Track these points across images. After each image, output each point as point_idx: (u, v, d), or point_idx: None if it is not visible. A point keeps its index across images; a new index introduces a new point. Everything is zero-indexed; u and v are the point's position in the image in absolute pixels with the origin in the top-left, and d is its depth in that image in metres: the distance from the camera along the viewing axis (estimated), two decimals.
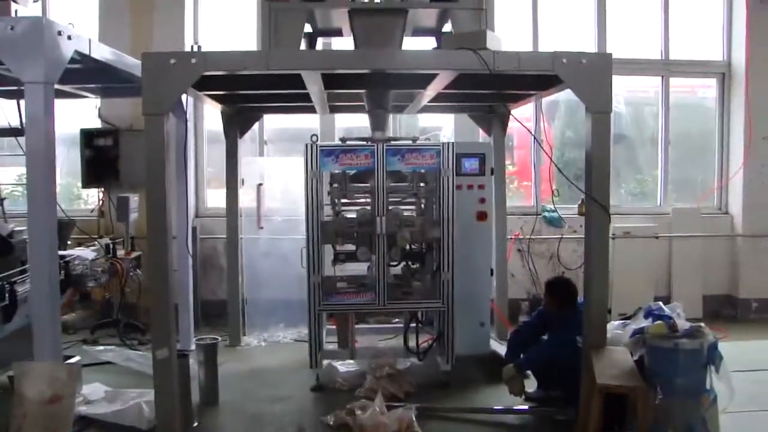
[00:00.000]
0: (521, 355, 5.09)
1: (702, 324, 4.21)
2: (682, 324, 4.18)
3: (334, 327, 5.98)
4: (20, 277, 4.88)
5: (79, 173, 7.30)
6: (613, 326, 4.70)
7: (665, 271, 8.04)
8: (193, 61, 4.07)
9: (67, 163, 7.59)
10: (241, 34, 7.82)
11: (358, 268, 5.63)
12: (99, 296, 6.59)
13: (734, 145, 8.21)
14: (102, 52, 4.76)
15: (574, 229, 7.53)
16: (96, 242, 6.41)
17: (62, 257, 5.34)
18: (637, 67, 8.17)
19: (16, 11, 4.76)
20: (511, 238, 7.35)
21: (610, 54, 4.48)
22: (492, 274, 6.33)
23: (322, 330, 5.72)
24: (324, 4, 4.67)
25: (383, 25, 4.68)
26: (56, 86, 4.10)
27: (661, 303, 4.54)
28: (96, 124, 7.44)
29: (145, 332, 6.73)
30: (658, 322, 4.23)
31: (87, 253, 5.98)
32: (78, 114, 7.40)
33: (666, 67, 8.28)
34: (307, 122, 7.91)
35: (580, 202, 6.38)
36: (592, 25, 8.13)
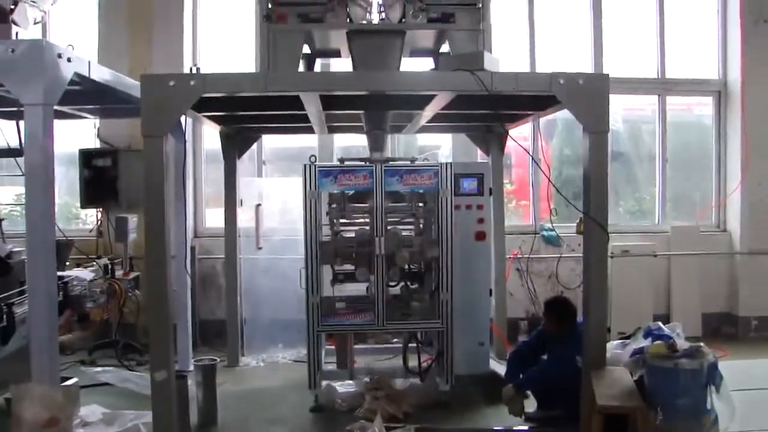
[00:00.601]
0: (521, 375, 5.07)
1: (702, 344, 4.21)
2: (682, 344, 4.18)
3: (333, 347, 5.97)
4: (18, 298, 4.87)
5: (77, 192, 7.30)
6: (612, 346, 4.70)
7: (664, 289, 8.03)
8: (192, 82, 4.10)
9: (66, 182, 7.60)
10: (240, 54, 7.86)
11: (357, 289, 5.62)
12: (97, 317, 6.54)
13: (731, 163, 8.24)
14: (101, 74, 4.78)
15: (572, 248, 7.53)
16: (94, 262, 6.40)
17: (60, 278, 5.32)
18: (633, 85, 8.22)
19: (16, 33, 4.78)
20: (509, 258, 7.34)
21: (607, 75, 4.51)
22: (491, 294, 6.32)
23: (321, 350, 5.70)
24: (322, 26, 4.70)
25: (381, 47, 4.72)
26: (55, 107, 4.11)
27: (660, 323, 4.54)
28: (95, 143, 7.46)
29: (143, 353, 6.70)
30: (658, 342, 4.23)
31: (85, 273, 5.96)
32: (77, 134, 7.41)
33: (662, 86, 8.32)
34: (306, 141, 7.93)
35: (578, 220, 6.38)
36: (588, 44, 8.18)
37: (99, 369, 6.24)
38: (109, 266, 6.36)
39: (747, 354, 7.10)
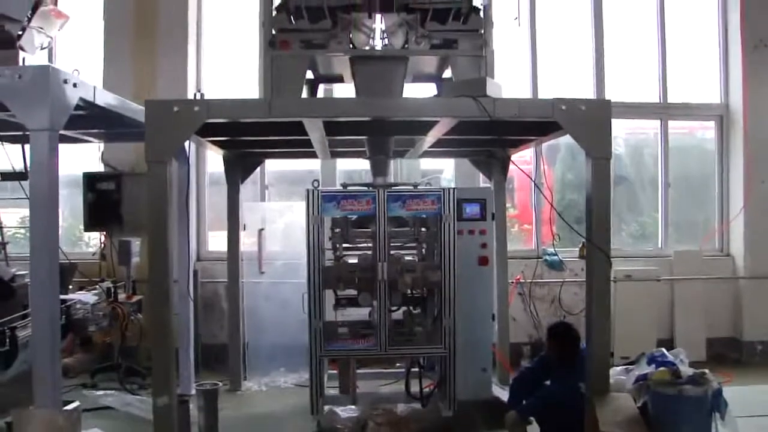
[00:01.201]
0: (524, 401, 5.04)
1: (706, 370, 4.18)
2: (686, 370, 4.16)
3: (335, 372, 5.94)
4: (21, 322, 4.87)
5: (81, 215, 7.32)
6: (616, 372, 4.67)
7: (668, 313, 7.99)
8: (196, 108, 4.12)
9: (70, 205, 7.63)
10: (244, 79, 7.92)
11: (360, 313, 5.60)
12: (99, 340, 6.56)
13: (734, 187, 8.24)
14: (106, 99, 4.83)
15: (575, 273, 7.51)
16: (97, 286, 6.41)
17: (63, 301, 5.34)
18: (635, 110, 8.25)
19: (23, 59, 4.83)
20: (512, 282, 7.33)
21: (609, 101, 4.52)
22: (494, 319, 6.30)
23: (323, 375, 5.67)
24: (325, 52, 4.74)
25: (384, 72, 4.75)
26: (60, 131, 4.14)
27: (663, 349, 4.52)
28: (98, 167, 7.50)
29: (145, 376, 6.67)
30: (662, 368, 4.20)
31: (88, 297, 5.99)
32: (81, 157, 7.46)
33: (664, 111, 8.35)
34: (309, 165, 7.97)
35: (581, 245, 6.39)
36: (590, 69, 8.23)
37: (101, 392, 6.23)
38: (112, 290, 6.38)
39: (752, 379, 7.05)
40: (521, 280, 7.68)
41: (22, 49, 4.83)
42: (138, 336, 6.76)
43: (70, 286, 6.36)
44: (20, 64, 4.74)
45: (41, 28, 5.04)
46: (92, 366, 6.96)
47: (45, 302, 4.06)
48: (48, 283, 4.06)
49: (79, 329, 5.81)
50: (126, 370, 6.78)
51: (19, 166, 6.12)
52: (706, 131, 8.74)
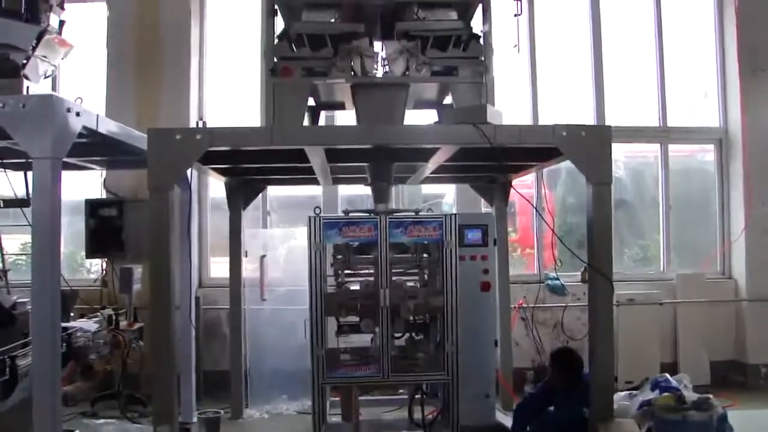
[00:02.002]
0: (527, 427, 5.01)
1: (710, 395, 4.17)
2: (690, 396, 4.14)
3: (337, 399, 5.90)
4: (21, 350, 4.85)
5: (82, 241, 7.32)
6: (619, 397, 4.65)
7: (671, 337, 7.97)
8: (198, 136, 4.14)
9: (71, 231, 7.63)
10: (246, 105, 7.97)
11: (362, 340, 5.58)
12: (100, 368, 6.52)
13: (735, 210, 8.26)
14: (108, 127, 4.84)
15: (578, 297, 7.50)
16: (99, 313, 6.39)
17: (65, 329, 5.31)
18: (635, 134, 8.29)
19: (27, 88, 4.86)
20: (514, 307, 7.31)
21: (609, 126, 4.53)
22: (496, 345, 6.28)
23: (325, 402, 5.63)
24: (327, 79, 4.77)
25: (385, 99, 4.78)
26: (63, 159, 4.15)
27: (667, 374, 4.51)
28: (101, 193, 7.52)
29: (146, 404, 6.63)
30: (666, 393, 4.19)
31: (89, 324, 5.96)
32: (83, 183, 7.48)
33: (664, 134, 8.40)
34: (310, 190, 7.98)
35: (583, 269, 6.37)
36: (590, 94, 8.29)
37: (101, 421, 6.19)
38: (114, 317, 6.35)
39: (757, 403, 7.01)
40: (523, 305, 7.67)
41: (27, 78, 4.87)
42: (139, 363, 6.73)
43: (72, 314, 6.33)
44: (24, 92, 4.77)
45: (45, 56, 5.09)
46: (93, 394, 6.90)
47: (46, 330, 4.04)
48: (49, 312, 4.05)
49: (80, 357, 5.76)
50: (127, 398, 6.74)
51: (21, 193, 6.15)
52: (706, 154, 8.77)
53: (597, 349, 4.31)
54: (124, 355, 6.47)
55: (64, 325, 5.13)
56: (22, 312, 5.13)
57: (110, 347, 6.09)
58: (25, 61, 4.86)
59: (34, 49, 4.91)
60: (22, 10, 4.72)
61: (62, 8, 5.15)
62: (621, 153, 8.56)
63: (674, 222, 8.42)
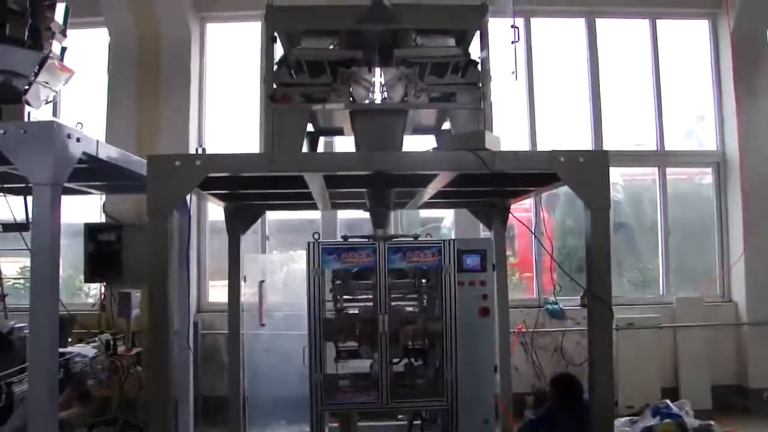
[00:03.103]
0: None
1: (712, 422, 4.17)
2: (691, 422, 4.13)
3: (336, 425, 5.86)
4: (18, 376, 4.82)
5: (81, 265, 7.32)
6: (620, 423, 4.64)
7: (671, 361, 7.95)
8: (198, 163, 4.14)
9: (70, 254, 7.63)
10: (245, 130, 8.01)
11: (361, 365, 5.55)
12: (98, 393, 6.49)
13: (734, 232, 8.28)
14: (108, 153, 4.85)
15: (577, 321, 7.48)
16: (97, 338, 6.37)
17: (62, 355, 5.29)
18: (633, 158, 8.33)
19: (28, 113, 4.88)
20: (514, 332, 7.29)
21: (607, 151, 4.54)
22: (496, 370, 6.24)
23: (324, 428, 5.58)
24: (326, 105, 4.79)
25: (384, 125, 4.79)
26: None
27: (668, 401, 4.50)
28: (100, 218, 7.53)
29: (143, 430, 6.58)
30: (667, 420, 4.17)
31: (87, 350, 5.94)
32: (82, 207, 7.49)
33: (662, 158, 8.43)
34: (309, 214, 7.99)
35: (582, 294, 6.36)
36: (587, 118, 8.33)
37: None
38: (112, 342, 6.33)
39: (759, 428, 6.97)
40: (523, 330, 7.64)
41: (28, 104, 4.89)
42: (137, 389, 6.70)
43: (70, 339, 6.31)
44: (26, 117, 4.79)
45: (47, 82, 5.11)
46: (90, 420, 6.86)
47: (43, 357, 4.00)
48: (47, 337, 4.03)
49: (78, 383, 5.74)
50: (124, 425, 6.70)
51: (20, 217, 6.15)
52: (704, 177, 8.81)
53: (597, 374, 4.28)
54: (122, 381, 6.44)
55: (61, 350, 5.11)
56: (20, 337, 5.11)
57: (108, 373, 6.06)
58: (27, 87, 4.89)
59: (36, 75, 4.94)
60: (25, 38, 4.75)
61: (64, 35, 5.19)
62: (619, 176, 8.60)
63: (673, 245, 8.43)
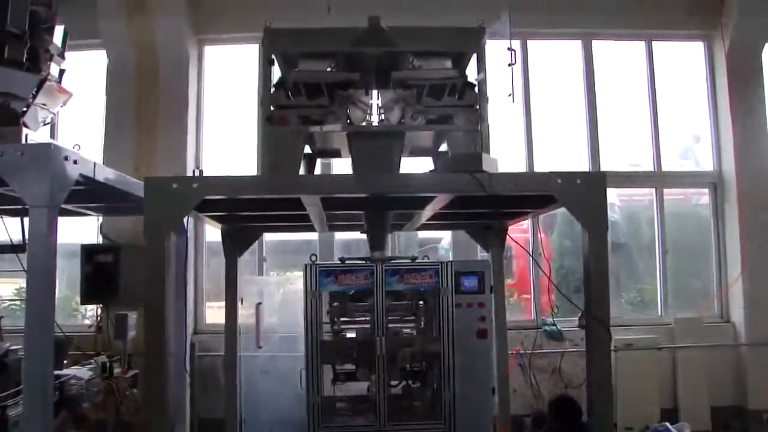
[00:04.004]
0: None
1: None
2: None
3: None
4: (12, 399, 4.79)
5: (77, 286, 7.29)
6: None
7: (670, 382, 7.91)
8: (195, 185, 4.14)
9: (66, 276, 7.60)
10: (242, 152, 8.03)
11: (359, 388, 5.52)
12: (93, 416, 6.42)
13: (731, 253, 8.28)
14: (106, 174, 4.86)
15: (575, 343, 7.45)
16: (93, 360, 6.33)
17: (57, 377, 5.25)
18: (630, 178, 8.35)
19: (26, 135, 4.89)
20: (512, 353, 7.26)
21: (604, 173, 4.55)
22: (494, 392, 6.20)
23: None
24: (323, 127, 4.80)
25: (381, 147, 4.79)
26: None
27: (667, 423, 4.48)
28: (97, 239, 7.51)
29: None
30: None
31: (83, 372, 5.89)
32: (79, 228, 7.47)
33: (658, 179, 8.45)
34: (306, 236, 7.98)
35: (580, 314, 6.34)
36: (584, 139, 8.37)
37: None
38: (108, 364, 6.29)
39: None
40: (521, 351, 7.61)
41: (26, 125, 4.90)
42: (133, 412, 6.63)
43: (65, 361, 6.27)
44: (23, 139, 4.79)
45: (45, 104, 5.13)
46: None
47: (38, 379, 3.98)
48: (43, 360, 4.01)
49: (73, 406, 5.68)
50: None
51: (17, 238, 6.14)
52: (701, 197, 8.83)
53: (595, 396, 4.26)
54: (118, 403, 6.38)
55: (57, 372, 5.08)
56: (15, 359, 5.08)
57: (104, 395, 6.01)
58: (25, 109, 4.91)
59: (34, 97, 4.97)
60: (24, 60, 4.78)
61: (63, 57, 5.22)
62: (616, 196, 8.61)
63: (671, 265, 8.43)
